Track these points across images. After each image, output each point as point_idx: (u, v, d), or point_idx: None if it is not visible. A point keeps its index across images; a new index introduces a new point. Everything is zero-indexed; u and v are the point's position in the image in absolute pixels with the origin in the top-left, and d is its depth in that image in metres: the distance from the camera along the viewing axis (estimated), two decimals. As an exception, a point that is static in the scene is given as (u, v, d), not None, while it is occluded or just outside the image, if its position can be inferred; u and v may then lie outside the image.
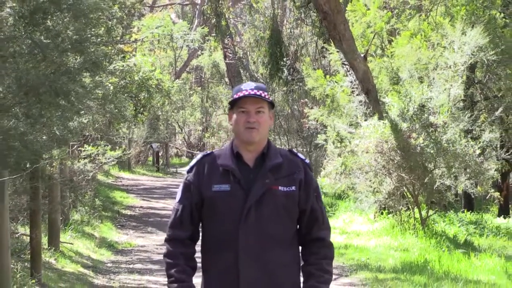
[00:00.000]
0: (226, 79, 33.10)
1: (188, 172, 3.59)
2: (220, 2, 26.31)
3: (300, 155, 3.65)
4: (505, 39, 16.26)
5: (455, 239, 13.49)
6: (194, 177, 3.55)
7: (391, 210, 14.62)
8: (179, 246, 3.54)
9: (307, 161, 3.66)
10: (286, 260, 3.51)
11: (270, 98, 3.54)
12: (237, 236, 3.43)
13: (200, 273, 3.61)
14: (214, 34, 28.20)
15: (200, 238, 3.61)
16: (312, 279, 3.52)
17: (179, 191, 3.60)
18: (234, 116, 3.54)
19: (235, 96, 3.52)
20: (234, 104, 3.53)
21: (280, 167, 3.53)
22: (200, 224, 3.60)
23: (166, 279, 3.55)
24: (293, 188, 3.52)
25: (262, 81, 26.91)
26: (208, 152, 3.62)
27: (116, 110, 14.31)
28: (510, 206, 18.97)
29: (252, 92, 3.50)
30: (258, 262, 3.44)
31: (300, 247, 3.63)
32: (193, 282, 3.55)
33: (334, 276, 11.54)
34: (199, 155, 3.64)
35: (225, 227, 3.46)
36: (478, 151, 13.62)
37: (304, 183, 3.55)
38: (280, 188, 3.49)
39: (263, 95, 3.50)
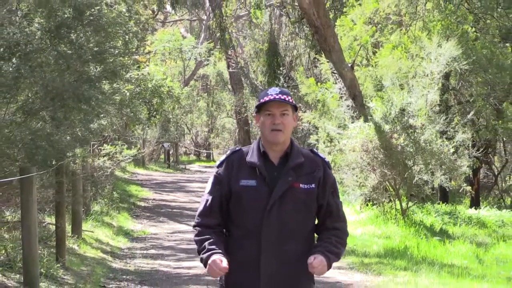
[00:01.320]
0: (229, 86, 33.10)
1: (218, 166, 3.51)
2: (224, 18, 26.33)
3: (320, 154, 3.57)
4: (476, 51, 16.26)
5: (432, 227, 13.49)
6: (224, 171, 3.48)
7: (375, 202, 14.63)
8: (209, 228, 3.47)
9: (327, 160, 3.59)
10: (303, 251, 3.42)
11: (294, 102, 3.47)
12: (260, 227, 3.36)
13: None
14: (218, 46, 28.21)
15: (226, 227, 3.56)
16: (319, 247, 3.43)
17: (209, 183, 3.52)
18: (261, 118, 3.46)
19: (262, 101, 3.44)
20: (260, 107, 3.45)
21: (301, 166, 3.45)
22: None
23: (198, 254, 3.45)
24: (313, 185, 3.44)
25: (261, 88, 26.90)
26: (237, 148, 3.55)
27: (132, 114, 14.34)
28: (480, 198, 18.97)
29: (277, 97, 3.42)
30: (278, 252, 3.37)
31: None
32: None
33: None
34: (228, 151, 3.56)
35: (250, 218, 3.39)
36: (452, 150, 13.64)
37: (323, 180, 3.48)
38: (301, 185, 3.42)
39: (287, 99, 3.43)
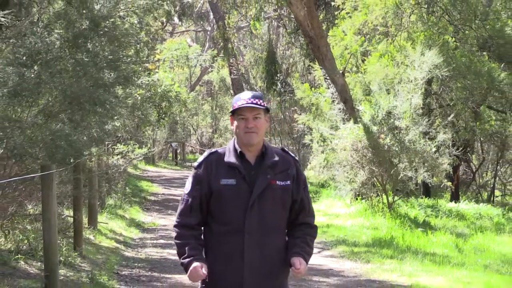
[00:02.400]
0: (231, 91, 33.06)
1: (197, 168, 3.43)
2: (227, 29, 26.31)
3: (291, 153, 3.53)
4: (455, 59, 16.25)
5: (416, 220, 13.50)
6: (203, 172, 3.40)
7: (364, 197, 14.63)
8: (189, 230, 3.40)
9: (297, 158, 3.57)
10: (280, 244, 3.41)
11: (265, 104, 3.42)
12: (243, 223, 3.31)
13: None
14: (221, 55, 28.19)
15: (206, 225, 3.48)
16: (297, 247, 3.39)
17: (188, 184, 3.44)
18: (235, 122, 3.41)
19: (235, 106, 3.39)
20: (234, 112, 3.40)
21: (277, 164, 3.41)
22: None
23: (179, 258, 3.38)
24: (288, 182, 3.41)
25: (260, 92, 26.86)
26: (213, 150, 3.47)
27: (143, 116, 14.33)
28: (459, 193, 18.97)
29: (249, 101, 3.37)
30: (260, 244, 3.33)
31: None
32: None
33: (318, 250, 11.55)
34: (205, 153, 3.48)
35: (233, 215, 3.33)
36: (434, 149, 13.63)
37: (296, 177, 3.44)
38: (278, 182, 3.38)
39: (258, 103, 3.38)
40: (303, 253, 3.37)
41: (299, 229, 3.47)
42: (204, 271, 3.25)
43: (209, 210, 3.42)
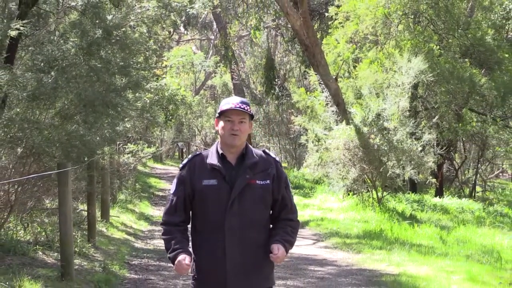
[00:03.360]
0: (233, 95, 33.07)
1: (181, 169, 3.37)
2: (228, 37, 26.31)
3: (272, 154, 3.45)
4: (440, 65, 16.25)
5: (403, 213, 13.49)
6: (187, 173, 3.34)
7: (355, 192, 14.62)
8: (173, 226, 3.35)
9: (278, 159, 3.47)
10: (262, 239, 3.33)
11: (251, 111, 3.36)
12: (223, 221, 3.25)
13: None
14: (224, 61, 28.19)
15: (191, 222, 3.42)
16: (277, 236, 3.33)
17: (173, 185, 3.39)
18: (221, 123, 3.33)
19: (224, 108, 3.32)
20: (222, 113, 3.33)
21: (256, 165, 3.33)
22: (191, 212, 3.41)
23: (166, 253, 3.33)
24: (268, 181, 3.33)
25: (259, 96, 26.89)
26: (198, 153, 3.40)
27: (151, 118, 14.29)
28: (443, 189, 18.96)
29: (237, 106, 3.30)
30: (240, 240, 3.26)
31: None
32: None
33: (313, 241, 11.49)
34: (190, 156, 3.42)
35: (214, 214, 3.27)
36: (419, 148, 13.63)
37: (276, 177, 3.36)
38: (258, 182, 3.31)
39: (246, 108, 3.31)
40: (282, 241, 3.31)
41: (281, 223, 3.41)
42: (187, 262, 3.21)
43: (193, 209, 3.37)
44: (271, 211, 3.43)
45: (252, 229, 3.30)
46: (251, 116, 3.38)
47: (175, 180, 3.40)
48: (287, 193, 3.42)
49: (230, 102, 3.33)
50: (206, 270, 3.31)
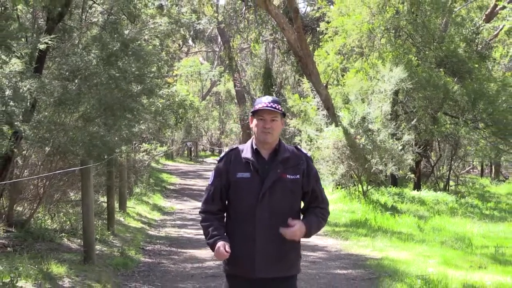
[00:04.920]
0: (235, 100, 33.06)
1: (219, 162, 3.26)
2: (231, 50, 26.31)
3: (303, 150, 3.31)
4: (417, 74, 16.23)
5: (385, 205, 13.50)
6: (223, 166, 3.23)
7: (343, 186, 14.62)
8: (211, 214, 3.24)
9: (309, 154, 3.34)
10: None
11: (282, 109, 3.22)
12: (254, 212, 3.13)
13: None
14: (227, 71, 28.19)
15: (226, 210, 3.30)
16: (312, 215, 3.23)
17: (211, 176, 3.27)
18: (255, 121, 3.21)
19: (256, 107, 3.19)
20: (255, 112, 3.21)
21: (288, 160, 3.20)
22: (227, 201, 3.28)
23: (205, 239, 3.21)
24: (298, 176, 3.19)
25: (259, 101, 26.77)
26: (234, 147, 3.28)
27: (163, 120, 14.29)
28: (421, 183, 18.94)
29: (269, 105, 3.17)
30: (270, 231, 3.13)
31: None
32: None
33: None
34: (227, 149, 3.30)
35: (246, 205, 3.15)
36: (400, 147, 13.63)
37: (306, 172, 3.23)
38: (288, 176, 3.17)
39: (277, 107, 3.18)
40: (306, 220, 3.19)
41: (312, 209, 3.28)
42: (227, 249, 3.09)
43: (228, 199, 3.25)
44: (302, 203, 3.31)
45: (280, 219, 3.15)
46: (283, 114, 3.24)
47: (213, 172, 3.29)
48: (318, 186, 3.28)
49: (262, 101, 3.20)
50: (237, 255, 3.16)
